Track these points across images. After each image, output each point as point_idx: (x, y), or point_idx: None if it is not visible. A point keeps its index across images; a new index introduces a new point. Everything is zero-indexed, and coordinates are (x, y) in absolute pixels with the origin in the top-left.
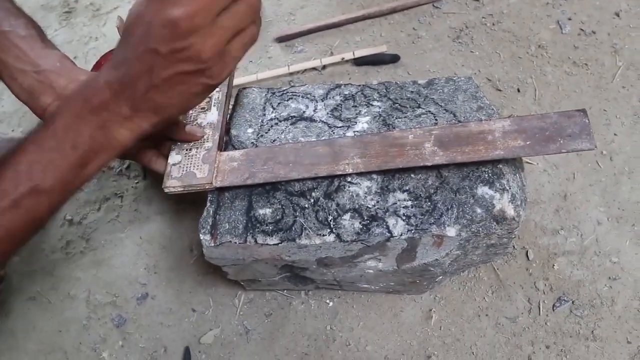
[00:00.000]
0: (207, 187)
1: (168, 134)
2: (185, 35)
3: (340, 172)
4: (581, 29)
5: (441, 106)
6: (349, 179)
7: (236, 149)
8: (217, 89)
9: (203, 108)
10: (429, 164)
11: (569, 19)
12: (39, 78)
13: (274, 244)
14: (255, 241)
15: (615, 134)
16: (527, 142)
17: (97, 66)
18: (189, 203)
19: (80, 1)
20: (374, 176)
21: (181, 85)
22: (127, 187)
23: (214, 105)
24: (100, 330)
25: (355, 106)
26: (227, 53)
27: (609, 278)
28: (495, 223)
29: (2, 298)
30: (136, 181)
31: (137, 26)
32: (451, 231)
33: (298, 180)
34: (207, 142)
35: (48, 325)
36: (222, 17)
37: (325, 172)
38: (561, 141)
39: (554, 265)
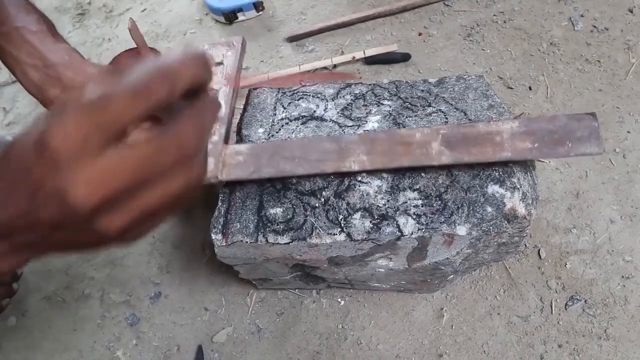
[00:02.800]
0: (212, 180)
1: None
2: (89, 217)
3: (346, 169)
4: (594, 26)
5: (452, 105)
6: (359, 177)
7: None
8: (225, 84)
9: None
10: (435, 163)
11: (582, 16)
12: (47, 72)
13: (284, 243)
14: (266, 240)
15: (628, 132)
16: (535, 145)
17: None
18: (201, 203)
19: (93, 3)
20: (384, 175)
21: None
22: None
23: (222, 99)
24: (115, 329)
25: (366, 105)
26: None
27: (622, 277)
28: (506, 222)
29: (18, 297)
30: None
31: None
32: (462, 230)
33: (304, 176)
34: (214, 135)
35: (63, 324)
36: (144, 195)
37: (332, 168)
38: (569, 145)
39: (566, 264)
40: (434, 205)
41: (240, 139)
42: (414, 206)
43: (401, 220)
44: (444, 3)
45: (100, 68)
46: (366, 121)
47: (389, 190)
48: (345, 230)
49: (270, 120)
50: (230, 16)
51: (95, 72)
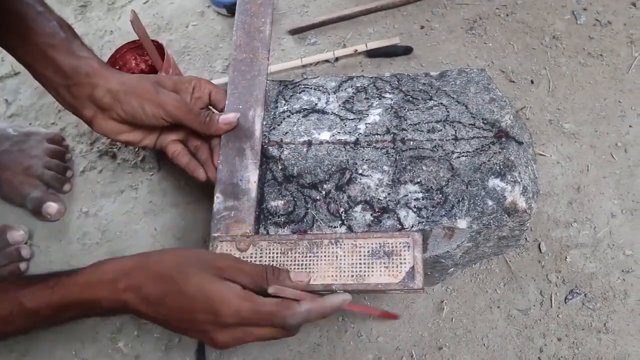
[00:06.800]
0: None
1: (200, 129)
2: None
3: None
4: (597, 20)
5: (453, 98)
6: (360, 171)
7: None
8: None
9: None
10: None
11: (584, 9)
12: (75, 92)
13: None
14: (267, 232)
15: (630, 126)
16: None
17: (112, 59)
18: (203, 195)
19: None
20: (385, 168)
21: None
22: (141, 179)
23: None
24: (117, 321)
25: (367, 98)
26: None
27: (622, 271)
28: (506, 215)
29: None
30: (151, 173)
31: None
32: (462, 223)
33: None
34: None
35: None
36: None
37: None
38: None
39: (566, 258)
40: (435, 198)
41: None
42: (414, 199)
43: (402, 213)
44: None
45: (122, 75)
46: (367, 114)
47: (390, 183)
48: (346, 222)
49: (272, 113)
50: (232, 8)
51: (118, 80)
